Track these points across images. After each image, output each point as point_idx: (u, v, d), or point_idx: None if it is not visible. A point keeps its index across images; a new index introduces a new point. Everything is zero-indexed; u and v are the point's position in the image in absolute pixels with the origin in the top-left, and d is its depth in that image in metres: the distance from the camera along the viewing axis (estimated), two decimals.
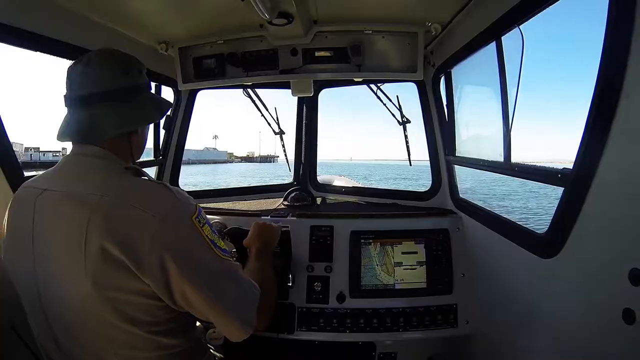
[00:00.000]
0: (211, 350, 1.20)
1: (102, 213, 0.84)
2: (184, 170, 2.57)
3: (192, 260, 0.91)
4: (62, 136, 0.97)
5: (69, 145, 1.01)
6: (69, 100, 0.97)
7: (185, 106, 2.38)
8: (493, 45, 1.48)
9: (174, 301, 0.90)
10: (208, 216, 1.99)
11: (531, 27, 1.39)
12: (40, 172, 1.04)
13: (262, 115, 2.58)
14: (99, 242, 0.82)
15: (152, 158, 2.29)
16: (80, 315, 0.88)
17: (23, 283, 0.96)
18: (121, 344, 0.89)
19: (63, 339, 0.92)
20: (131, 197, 0.88)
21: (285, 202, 2.41)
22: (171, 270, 0.86)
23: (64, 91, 0.98)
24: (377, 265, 1.88)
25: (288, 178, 2.77)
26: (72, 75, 0.96)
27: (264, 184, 2.75)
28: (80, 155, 0.97)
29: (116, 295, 0.85)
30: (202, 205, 2.34)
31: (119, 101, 0.99)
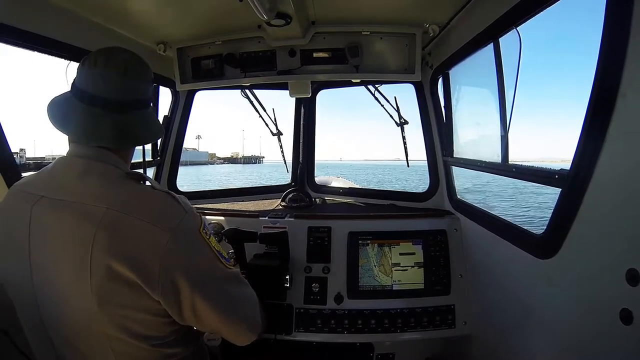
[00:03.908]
0: (209, 352, 1.20)
1: (107, 229, 0.80)
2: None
3: (202, 275, 0.91)
4: (86, 137, 0.91)
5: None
6: (100, 100, 0.91)
7: (183, 107, 2.37)
8: (490, 46, 1.49)
9: (182, 316, 0.90)
10: (206, 217, 2.01)
11: (529, 28, 1.40)
12: (31, 174, 1.00)
13: (260, 116, 2.58)
14: (105, 260, 0.79)
15: (150, 159, 2.28)
16: (82, 328, 0.86)
17: (17, 291, 0.93)
18: (122, 356, 0.88)
19: (61, 347, 0.91)
20: (137, 208, 0.84)
21: (283, 203, 2.40)
22: (182, 287, 0.86)
23: (86, 87, 0.91)
24: (375, 266, 1.88)
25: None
26: (105, 75, 0.90)
27: (261, 185, 2.74)
28: (77, 158, 0.91)
29: (122, 313, 0.84)
30: (200, 205, 2.35)
31: (146, 110, 1.01)
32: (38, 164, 1.28)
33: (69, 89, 0.96)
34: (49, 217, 0.85)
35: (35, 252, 0.86)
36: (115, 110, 0.92)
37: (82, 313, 0.84)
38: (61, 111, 0.94)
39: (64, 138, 0.96)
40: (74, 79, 0.95)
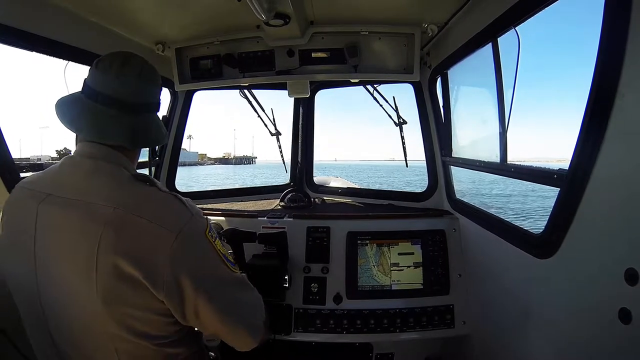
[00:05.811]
0: (209, 353, 1.20)
1: (114, 228, 0.81)
2: None
3: (206, 277, 0.92)
4: (102, 135, 0.93)
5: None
6: (116, 102, 0.94)
7: (181, 107, 2.37)
8: (489, 46, 1.49)
9: (185, 317, 0.90)
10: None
11: (527, 28, 1.40)
12: (37, 172, 1.00)
13: (259, 116, 2.57)
14: (111, 258, 0.80)
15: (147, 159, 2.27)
16: (85, 328, 0.87)
17: (20, 288, 0.94)
18: (126, 355, 0.89)
19: (64, 346, 0.91)
20: (145, 209, 0.86)
21: (282, 203, 2.40)
22: (186, 288, 0.86)
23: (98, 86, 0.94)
24: (374, 266, 1.88)
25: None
26: (122, 78, 0.93)
27: (261, 185, 2.74)
28: (85, 158, 0.92)
29: (126, 312, 0.84)
30: (199, 206, 2.35)
31: (156, 114, 1.06)
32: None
33: (80, 90, 0.97)
34: (55, 215, 0.86)
35: (41, 251, 0.86)
36: (130, 111, 0.95)
37: (86, 312, 0.84)
38: (73, 111, 0.95)
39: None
40: (86, 80, 0.96)
